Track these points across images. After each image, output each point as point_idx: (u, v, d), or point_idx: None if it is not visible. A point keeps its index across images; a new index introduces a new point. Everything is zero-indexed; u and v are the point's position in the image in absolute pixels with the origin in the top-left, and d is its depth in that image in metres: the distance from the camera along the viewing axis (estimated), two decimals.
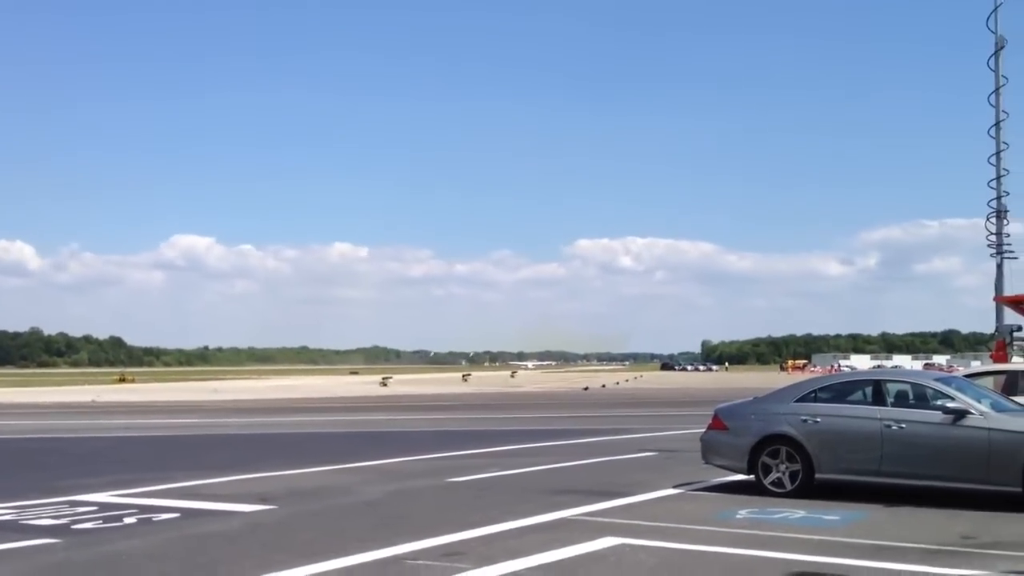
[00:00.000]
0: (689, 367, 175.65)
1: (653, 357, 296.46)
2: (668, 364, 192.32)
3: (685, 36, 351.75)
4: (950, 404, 12.08)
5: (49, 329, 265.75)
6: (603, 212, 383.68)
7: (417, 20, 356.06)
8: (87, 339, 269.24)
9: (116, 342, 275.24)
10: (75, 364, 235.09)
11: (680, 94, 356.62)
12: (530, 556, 9.09)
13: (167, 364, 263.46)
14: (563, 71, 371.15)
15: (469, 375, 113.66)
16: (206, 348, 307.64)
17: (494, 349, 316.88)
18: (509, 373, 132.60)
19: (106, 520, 11.45)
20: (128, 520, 11.46)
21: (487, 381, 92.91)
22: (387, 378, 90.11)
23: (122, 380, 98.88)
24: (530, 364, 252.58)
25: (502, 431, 26.78)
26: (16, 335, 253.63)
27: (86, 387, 75.77)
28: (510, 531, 10.47)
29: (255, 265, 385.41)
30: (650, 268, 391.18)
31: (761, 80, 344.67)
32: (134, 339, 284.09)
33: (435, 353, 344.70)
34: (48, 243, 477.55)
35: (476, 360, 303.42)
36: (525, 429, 27.28)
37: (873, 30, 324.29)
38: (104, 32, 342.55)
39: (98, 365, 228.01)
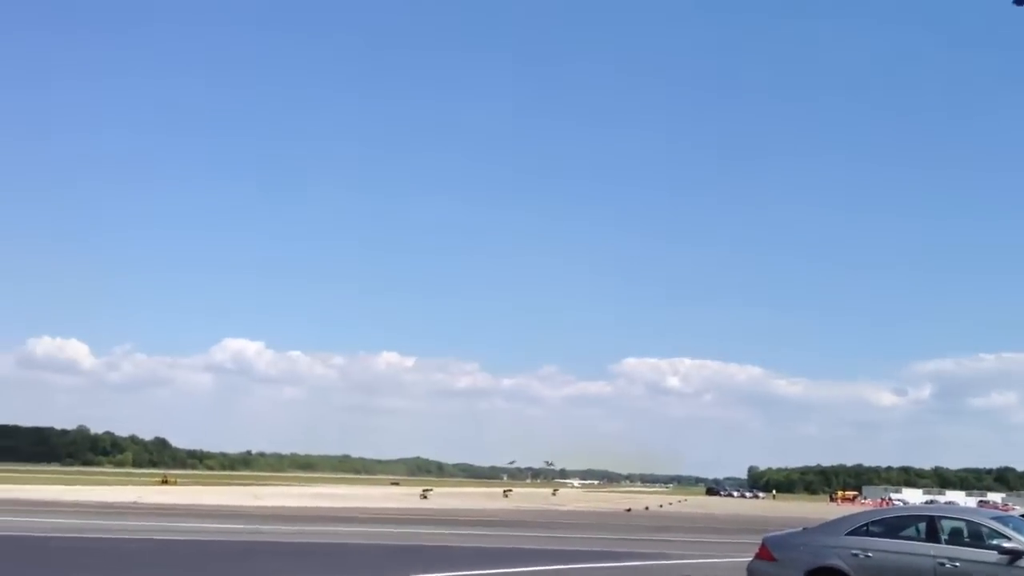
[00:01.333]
0: (735, 493, 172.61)
1: (698, 480, 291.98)
2: (714, 489, 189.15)
3: (731, 163, 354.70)
4: (1006, 544, 11.76)
5: (96, 428, 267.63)
6: (653, 332, 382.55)
7: (459, 124, 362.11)
8: (132, 439, 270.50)
9: (160, 443, 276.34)
10: (119, 464, 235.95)
11: (729, 222, 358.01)
12: None
13: (210, 467, 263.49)
14: (614, 187, 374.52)
15: (510, 491, 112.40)
16: (249, 453, 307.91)
17: (536, 465, 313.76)
18: (551, 491, 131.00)
19: None
20: None
21: (528, 498, 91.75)
22: (427, 490, 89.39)
23: (164, 482, 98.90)
24: (576, 482, 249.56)
25: (543, 550, 26.34)
26: (64, 432, 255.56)
27: (128, 488, 75.82)
28: None
29: (303, 371, 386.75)
30: (698, 390, 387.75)
31: (811, 208, 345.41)
32: (179, 441, 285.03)
33: (478, 467, 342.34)
34: (102, 342, 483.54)
35: (518, 476, 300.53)
36: (566, 549, 26.81)
37: (926, 149, 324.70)
38: (148, 112, 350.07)
39: (141, 466, 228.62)
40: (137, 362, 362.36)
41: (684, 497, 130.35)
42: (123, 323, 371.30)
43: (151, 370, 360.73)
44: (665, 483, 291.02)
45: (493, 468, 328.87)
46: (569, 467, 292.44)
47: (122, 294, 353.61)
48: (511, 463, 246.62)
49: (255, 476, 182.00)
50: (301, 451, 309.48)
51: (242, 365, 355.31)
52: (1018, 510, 22.09)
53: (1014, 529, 12.12)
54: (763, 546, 13.58)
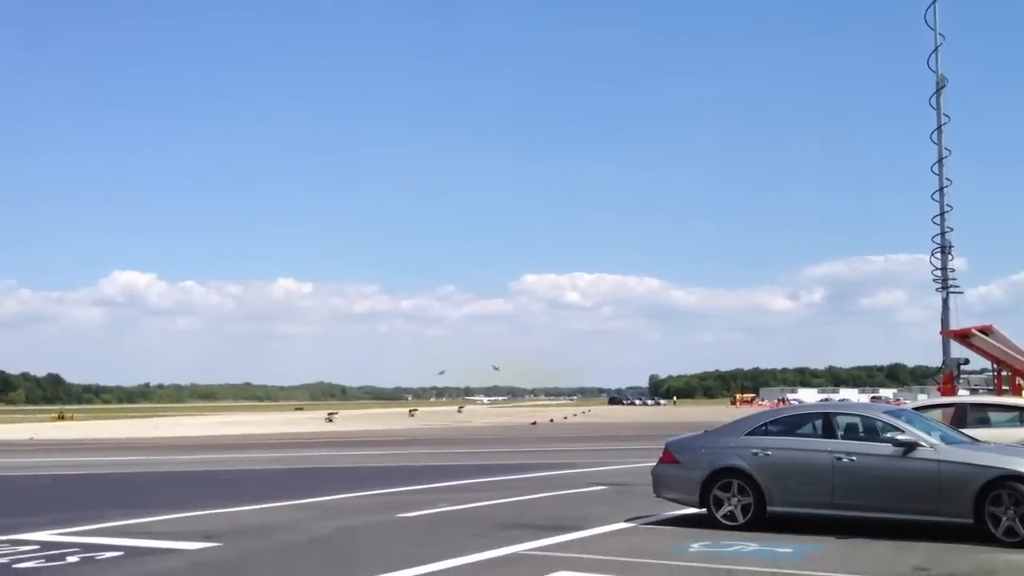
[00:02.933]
0: (637, 401, 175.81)
1: (601, 391, 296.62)
2: (616, 398, 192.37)
3: (633, 75, 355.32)
4: (900, 436, 12.12)
5: None
6: (550, 248, 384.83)
7: (361, 54, 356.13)
8: (24, 376, 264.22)
9: (55, 379, 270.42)
10: (11, 402, 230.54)
11: (623, 137, 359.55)
12: None
13: (107, 402, 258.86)
14: (511, 112, 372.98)
15: (416, 410, 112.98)
16: (147, 385, 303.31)
17: (440, 384, 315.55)
18: (456, 408, 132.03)
19: (48, 559, 11.13)
20: (71, 559, 11.15)
21: (434, 417, 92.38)
22: (332, 414, 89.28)
23: (60, 418, 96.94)
24: (485, 399, 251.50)
25: (451, 466, 26.58)
26: None
27: (23, 425, 74.20)
28: (462, 567, 10.32)
29: (197, 301, 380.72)
30: (597, 303, 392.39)
31: (705, 119, 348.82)
32: (73, 377, 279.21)
33: (382, 388, 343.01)
34: None
35: (422, 396, 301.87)
36: (474, 464, 27.08)
37: (817, 68, 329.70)
38: (44, 49, 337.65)
39: (35, 403, 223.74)
40: (22, 298, 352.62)
41: (588, 408, 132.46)
42: (5, 259, 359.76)
43: (37, 306, 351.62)
44: (569, 396, 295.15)
45: (398, 389, 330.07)
46: (473, 384, 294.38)
47: (2, 228, 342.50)
48: (441, 373, 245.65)
49: (155, 408, 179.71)
50: (201, 381, 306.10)
51: (133, 298, 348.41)
52: (909, 404, 22.92)
53: (906, 422, 12.51)
54: (666, 450, 13.83)
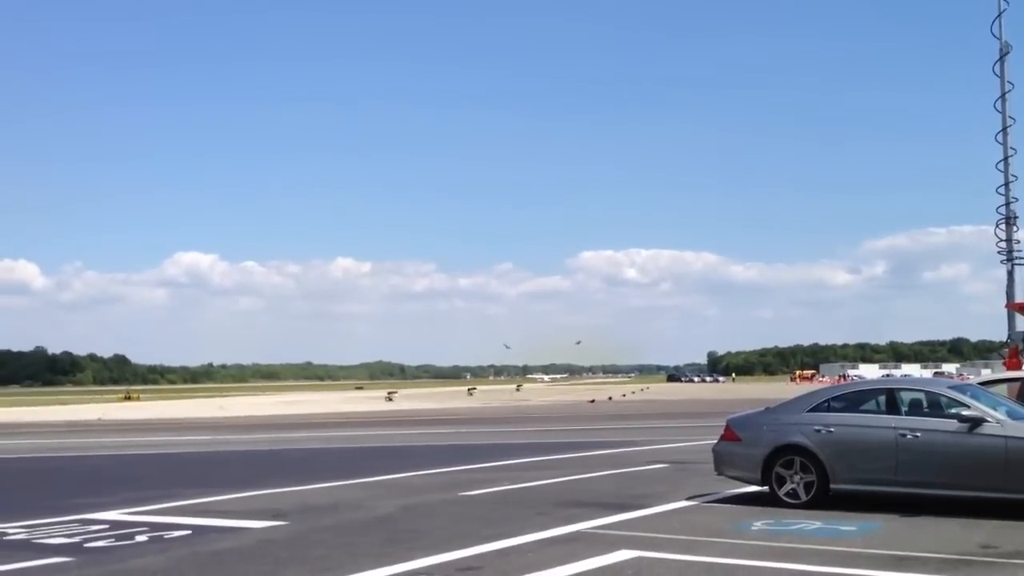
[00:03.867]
0: (696, 378, 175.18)
1: (659, 369, 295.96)
2: (674, 376, 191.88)
3: (685, 43, 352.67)
4: (965, 412, 11.98)
5: (53, 348, 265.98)
6: (606, 223, 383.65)
7: (417, 29, 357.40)
8: (91, 358, 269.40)
9: (121, 360, 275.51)
10: (79, 383, 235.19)
11: (681, 103, 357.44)
12: (547, 570, 9.02)
13: (171, 382, 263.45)
14: (564, 82, 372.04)
15: (475, 389, 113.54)
16: (210, 365, 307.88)
17: (498, 363, 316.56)
18: (515, 386, 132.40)
19: (118, 538, 11.39)
20: (140, 538, 11.40)
21: (493, 396, 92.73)
22: (392, 393, 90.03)
23: (127, 398, 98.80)
24: (546, 377, 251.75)
25: (511, 444, 26.70)
26: (20, 355, 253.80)
27: (92, 406, 75.71)
28: (526, 545, 10.40)
29: (258, 281, 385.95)
30: (655, 280, 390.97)
31: (764, 88, 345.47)
32: (138, 357, 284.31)
33: (440, 367, 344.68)
34: (51, 262, 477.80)
35: (480, 374, 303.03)
36: (533, 443, 27.18)
37: (878, 37, 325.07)
38: (106, 42, 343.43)
39: (102, 384, 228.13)
40: (88, 280, 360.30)
41: (646, 385, 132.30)
42: (72, 241, 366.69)
43: (103, 288, 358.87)
44: (627, 373, 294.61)
45: (456, 367, 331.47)
46: (531, 363, 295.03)
47: (69, 212, 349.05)
48: (508, 348, 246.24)
49: (218, 388, 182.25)
50: (263, 361, 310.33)
51: (196, 279, 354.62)
52: (972, 379, 22.56)
53: (972, 397, 12.35)
54: (727, 427, 13.78)
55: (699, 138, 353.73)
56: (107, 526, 12.39)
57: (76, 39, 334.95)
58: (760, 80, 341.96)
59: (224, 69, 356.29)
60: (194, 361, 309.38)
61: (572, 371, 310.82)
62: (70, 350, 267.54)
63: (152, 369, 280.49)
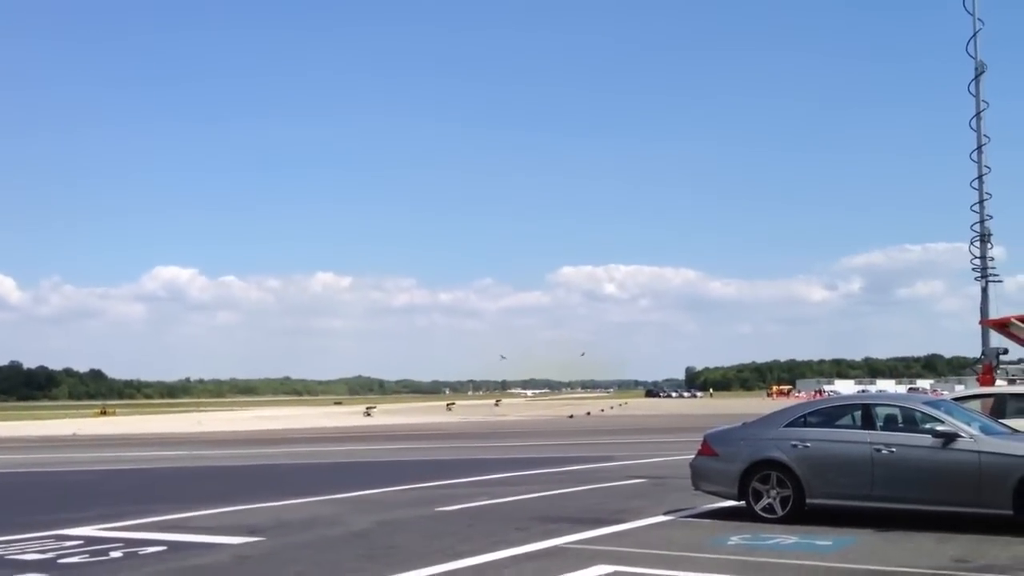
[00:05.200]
0: (673, 394, 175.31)
1: (637, 384, 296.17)
2: (653, 391, 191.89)
3: (664, 59, 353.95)
4: (939, 427, 12.06)
5: (29, 363, 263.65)
6: (587, 239, 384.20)
7: (394, 42, 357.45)
8: (67, 372, 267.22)
9: (97, 375, 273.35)
10: (55, 398, 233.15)
11: (662, 119, 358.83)
12: None
13: (148, 397, 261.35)
14: (545, 97, 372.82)
15: (453, 404, 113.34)
16: (188, 380, 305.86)
17: (477, 378, 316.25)
18: (493, 402, 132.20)
19: (92, 554, 11.31)
20: (114, 554, 11.31)
21: (471, 411, 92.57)
22: (371, 408, 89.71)
23: (103, 413, 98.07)
24: (529, 392, 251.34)
25: (489, 459, 26.67)
26: None
27: (67, 421, 75.13)
28: (502, 560, 10.39)
29: (237, 296, 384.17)
30: (635, 295, 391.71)
31: (744, 106, 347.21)
32: (115, 372, 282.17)
33: (419, 382, 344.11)
34: (28, 276, 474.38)
35: (459, 389, 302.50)
36: (512, 458, 27.15)
37: (854, 56, 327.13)
38: (83, 57, 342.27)
39: (78, 399, 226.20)
40: (66, 294, 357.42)
41: (624, 401, 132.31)
42: (49, 255, 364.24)
43: (81, 302, 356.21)
44: (605, 388, 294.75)
45: (435, 382, 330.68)
46: (510, 378, 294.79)
47: (47, 225, 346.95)
48: (503, 358, 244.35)
49: (196, 403, 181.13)
50: (240, 376, 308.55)
51: (174, 293, 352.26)
52: (947, 395, 22.72)
53: (946, 412, 12.43)
54: (704, 442, 13.82)
55: (679, 155, 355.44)
56: (81, 542, 12.30)
57: (51, 55, 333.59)
58: (740, 98, 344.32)
59: (203, 84, 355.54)
60: (172, 376, 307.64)
61: (550, 386, 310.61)
62: (46, 364, 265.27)
63: (129, 384, 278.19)
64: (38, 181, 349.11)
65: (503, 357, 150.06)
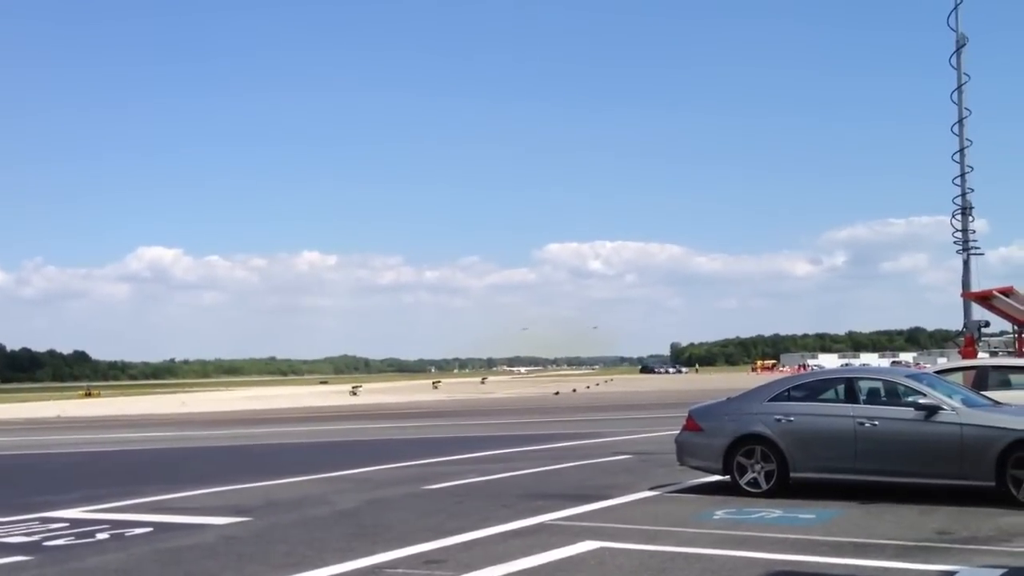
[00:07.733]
0: (671, 370, 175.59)
1: (623, 360, 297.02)
2: (648, 367, 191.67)
3: (647, 32, 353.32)
4: (922, 400, 12.14)
5: (13, 345, 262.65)
6: (572, 216, 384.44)
7: (377, 17, 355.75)
8: (51, 354, 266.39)
9: (81, 357, 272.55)
10: (38, 380, 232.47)
11: (646, 93, 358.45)
12: (511, 562, 9.05)
13: (133, 378, 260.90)
14: (529, 72, 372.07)
15: (439, 382, 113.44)
16: (173, 361, 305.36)
17: (463, 356, 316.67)
18: (479, 379, 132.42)
19: (78, 536, 11.30)
20: (100, 536, 11.31)
21: (458, 388, 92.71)
22: (357, 387, 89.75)
23: (87, 395, 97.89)
24: (523, 369, 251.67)
25: (476, 437, 26.72)
26: None
27: (51, 403, 74.92)
28: (489, 537, 10.43)
29: (222, 276, 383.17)
30: (620, 271, 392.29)
31: (727, 78, 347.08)
32: (100, 353, 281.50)
33: (404, 360, 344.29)
34: (11, 257, 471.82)
35: (445, 367, 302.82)
36: (499, 435, 27.23)
37: (838, 26, 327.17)
38: (66, 38, 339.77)
39: (62, 380, 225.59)
40: (49, 275, 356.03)
41: (610, 377, 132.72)
42: (31, 236, 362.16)
43: (64, 283, 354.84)
44: (591, 365, 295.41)
45: (421, 361, 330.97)
46: (496, 355, 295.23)
47: (29, 206, 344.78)
48: (524, 330, 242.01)
49: (181, 384, 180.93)
50: (226, 356, 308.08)
51: (159, 273, 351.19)
52: (929, 368, 22.94)
53: (928, 385, 12.52)
54: (689, 418, 13.88)
55: (663, 130, 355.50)
56: (67, 524, 12.29)
57: (29, 36, 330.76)
58: (724, 70, 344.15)
59: (188, 62, 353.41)
60: (156, 357, 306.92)
61: (536, 363, 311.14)
62: (30, 347, 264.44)
63: (113, 365, 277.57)
64: (18, 161, 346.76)
65: (525, 328, 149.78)
